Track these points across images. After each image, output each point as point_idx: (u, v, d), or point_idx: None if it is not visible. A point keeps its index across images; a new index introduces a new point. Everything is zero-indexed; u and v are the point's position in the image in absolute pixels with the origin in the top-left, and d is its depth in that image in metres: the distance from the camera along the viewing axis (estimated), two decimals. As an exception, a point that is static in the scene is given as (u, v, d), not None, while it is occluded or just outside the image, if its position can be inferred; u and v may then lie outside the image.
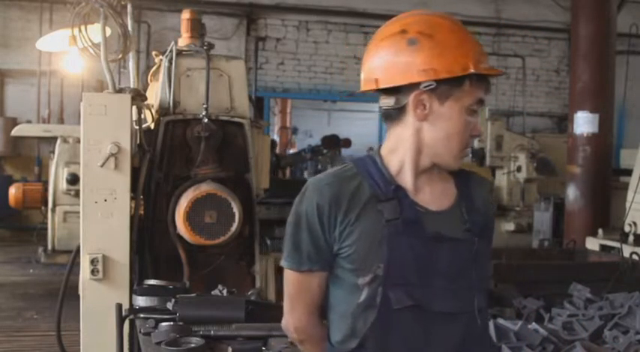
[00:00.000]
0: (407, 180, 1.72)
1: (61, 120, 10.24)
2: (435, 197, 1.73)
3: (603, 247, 6.19)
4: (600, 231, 6.41)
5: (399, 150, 1.73)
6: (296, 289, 1.76)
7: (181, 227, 3.58)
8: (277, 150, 14.45)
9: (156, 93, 3.96)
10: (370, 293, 1.66)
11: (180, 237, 3.64)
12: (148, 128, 3.89)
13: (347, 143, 14.21)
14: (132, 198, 3.57)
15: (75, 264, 3.64)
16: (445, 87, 1.65)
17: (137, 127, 3.75)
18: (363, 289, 1.67)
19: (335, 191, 1.68)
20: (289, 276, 1.76)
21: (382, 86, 1.71)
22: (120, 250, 3.47)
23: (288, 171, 14.48)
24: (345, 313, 1.71)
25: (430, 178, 1.74)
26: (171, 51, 3.83)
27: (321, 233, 1.68)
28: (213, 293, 2.86)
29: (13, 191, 7.11)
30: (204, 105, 3.76)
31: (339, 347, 1.73)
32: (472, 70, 1.64)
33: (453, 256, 1.68)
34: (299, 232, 1.70)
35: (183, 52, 3.89)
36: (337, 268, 1.71)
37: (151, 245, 3.75)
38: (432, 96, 1.66)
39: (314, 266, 1.71)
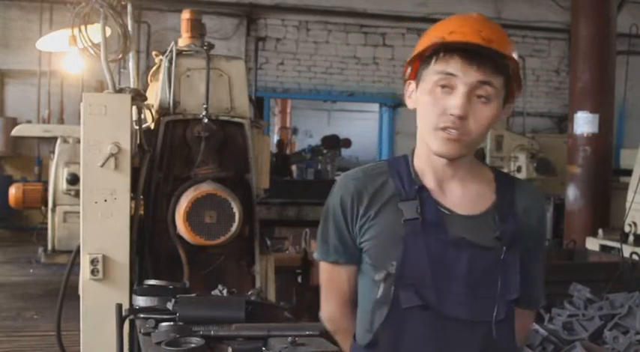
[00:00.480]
0: (429, 179, 1.70)
1: (61, 120, 10.23)
2: (467, 200, 1.69)
3: (603, 247, 6.20)
4: (600, 231, 6.42)
5: (418, 149, 1.73)
6: (327, 279, 1.81)
7: (181, 227, 3.57)
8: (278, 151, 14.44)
9: (156, 93, 3.96)
10: (385, 289, 1.66)
11: (180, 237, 3.64)
12: (148, 128, 3.89)
13: (347, 143, 14.26)
14: (132, 198, 3.57)
15: (75, 263, 3.64)
16: (420, 72, 1.67)
17: (137, 127, 3.75)
18: (379, 285, 1.66)
19: (359, 186, 1.71)
20: (321, 267, 1.81)
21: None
22: (120, 250, 3.47)
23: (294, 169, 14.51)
24: (366, 308, 1.72)
25: (463, 180, 1.70)
26: (171, 51, 3.83)
27: (344, 226, 1.72)
28: (213, 293, 2.86)
29: (13, 191, 7.12)
30: (204, 105, 3.76)
31: (359, 342, 1.75)
32: (432, 42, 1.61)
33: (474, 263, 1.63)
34: (327, 225, 1.75)
35: (183, 52, 3.89)
36: (362, 262, 1.74)
37: (151, 245, 3.75)
38: (414, 85, 1.69)
39: (340, 258, 1.74)
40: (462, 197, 1.69)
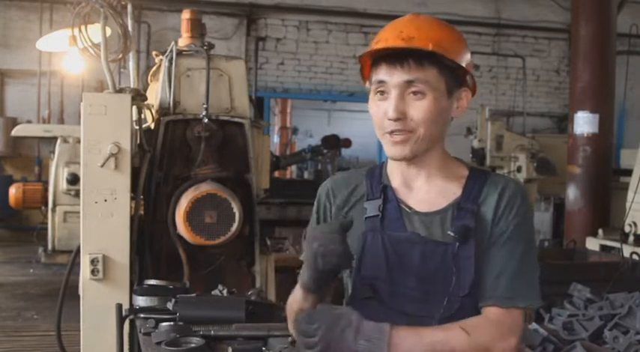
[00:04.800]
0: (397, 179, 1.75)
1: (61, 120, 10.23)
2: (430, 197, 1.70)
3: (603, 247, 6.20)
4: (600, 231, 6.42)
5: None
6: None
7: (181, 227, 3.57)
8: (278, 152, 14.43)
9: (156, 93, 3.96)
10: (350, 284, 1.74)
11: (181, 237, 3.64)
12: (148, 128, 3.89)
13: (347, 143, 14.23)
14: (132, 198, 3.57)
15: (75, 263, 3.64)
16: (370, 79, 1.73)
17: (137, 127, 3.75)
18: (348, 280, 1.75)
19: (334, 186, 1.81)
20: None
21: None
22: (120, 250, 3.47)
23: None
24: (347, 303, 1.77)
25: (430, 177, 1.72)
26: (171, 51, 3.83)
27: (322, 221, 1.80)
28: (213, 293, 2.86)
29: (13, 191, 7.12)
30: (205, 105, 3.76)
31: None
32: (361, 53, 1.69)
33: (426, 258, 1.64)
34: (312, 221, 1.84)
35: (184, 52, 3.89)
36: None
37: (151, 245, 3.75)
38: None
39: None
40: (426, 194, 1.72)
